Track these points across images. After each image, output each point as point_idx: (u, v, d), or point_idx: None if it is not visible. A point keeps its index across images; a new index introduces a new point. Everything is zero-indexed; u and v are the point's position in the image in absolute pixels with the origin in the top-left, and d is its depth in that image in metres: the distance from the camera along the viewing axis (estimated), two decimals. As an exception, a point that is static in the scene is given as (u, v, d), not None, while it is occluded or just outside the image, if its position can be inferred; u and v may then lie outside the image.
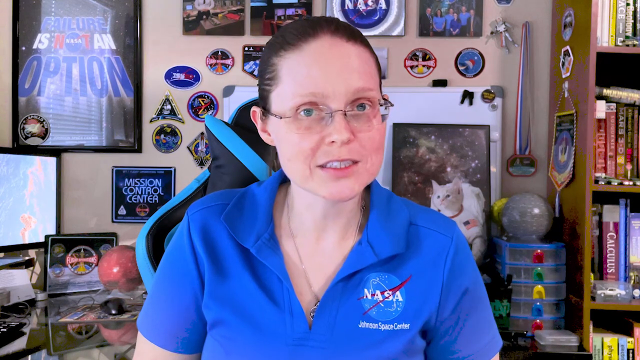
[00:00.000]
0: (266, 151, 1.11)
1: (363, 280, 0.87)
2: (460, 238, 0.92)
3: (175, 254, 0.93)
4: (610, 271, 2.09)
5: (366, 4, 2.50)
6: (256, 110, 0.91)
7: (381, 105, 0.84)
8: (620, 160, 2.13)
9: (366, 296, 0.86)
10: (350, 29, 0.84)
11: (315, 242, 0.91)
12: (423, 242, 0.90)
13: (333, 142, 0.79)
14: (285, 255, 0.89)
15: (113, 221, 2.56)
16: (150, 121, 2.57)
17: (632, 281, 2.07)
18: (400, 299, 0.87)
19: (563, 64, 2.26)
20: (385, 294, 0.86)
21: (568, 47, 2.22)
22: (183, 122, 2.56)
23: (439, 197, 2.33)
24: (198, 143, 2.56)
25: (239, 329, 0.86)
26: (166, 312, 0.93)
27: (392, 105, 0.86)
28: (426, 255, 0.89)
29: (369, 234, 0.89)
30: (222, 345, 0.87)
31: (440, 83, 2.48)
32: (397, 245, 0.88)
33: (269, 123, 0.88)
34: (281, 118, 0.82)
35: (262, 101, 0.88)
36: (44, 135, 2.56)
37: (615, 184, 2.03)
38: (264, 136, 0.91)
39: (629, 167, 2.13)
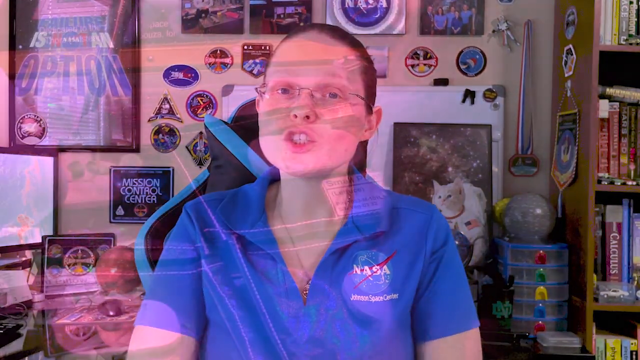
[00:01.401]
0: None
1: (352, 257, 0.92)
2: (439, 215, 0.99)
3: (179, 240, 0.98)
4: (613, 272, 2.07)
5: (367, 2, 2.48)
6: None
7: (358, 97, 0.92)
8: (624, 160, 2.12)
9: (355, 272, 0.91)
10: (340, 32, 0.95)
11: (305, 227, 0.96)
12: (406, 220, 0.97)
13: (296, 116, 0.87)
14: (278, 240, 0.95)
15: (111, 222, 2.54)
16: (149, 120, 2.55)
17: (635, 282, 2.06)
18: (388, 272, 0.92)
19: (565, 62, 2.24)
20: (374, 269, 0.92)
21: (571, 46, 2.20)
22: (182, 122, 2.54)
23: (440, 197, 2.31)
24: (197, 143, 2.54)
25: (237, 311, 0.90)
26: (173, 295, 0.94)
27: (362, 99, 0.94)
28: (409, 230, 0.96)
29: (354, 216, 0.95)
30: (221, 328, 0.91)
31: (442, 82, 2.46)
32: (381, 224, 0.94)
33: (260, 102, 0.97)
34: (264, 93, 0.93)
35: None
36: (41, 134, 2.54)
37: (619, 184, 2.02)
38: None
39: (632, 167, 2.12)
